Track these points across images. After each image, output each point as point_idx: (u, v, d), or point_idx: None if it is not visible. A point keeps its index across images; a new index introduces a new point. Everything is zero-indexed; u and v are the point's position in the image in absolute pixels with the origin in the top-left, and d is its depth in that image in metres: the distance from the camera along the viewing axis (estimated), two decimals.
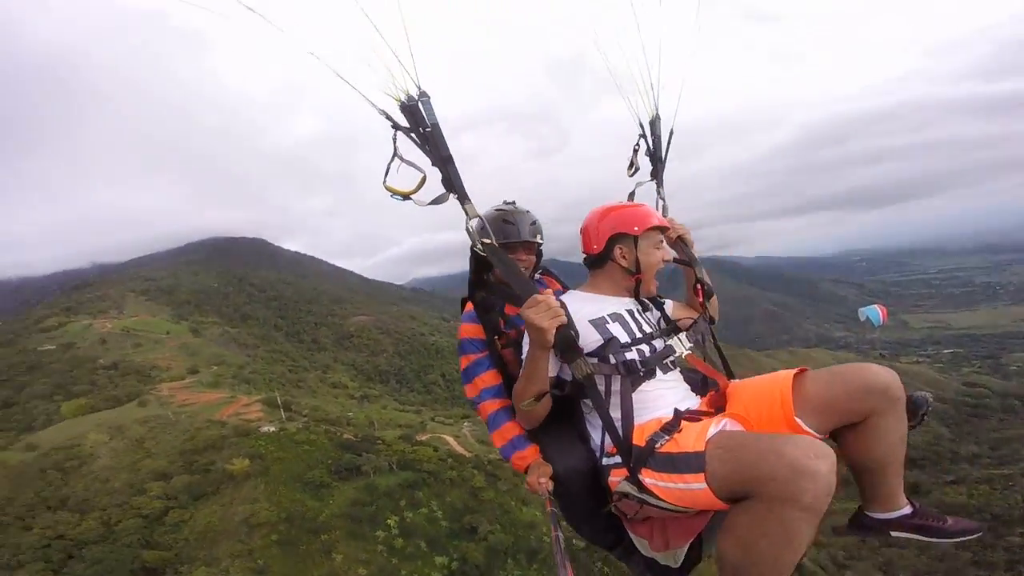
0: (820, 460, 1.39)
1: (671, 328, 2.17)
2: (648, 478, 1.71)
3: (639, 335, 2.06)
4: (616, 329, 2.04)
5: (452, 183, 1.76)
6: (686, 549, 1.83)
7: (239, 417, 46.44)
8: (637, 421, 1.89)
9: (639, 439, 1.80)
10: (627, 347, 2.01)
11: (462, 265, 2.42)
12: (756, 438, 1.60)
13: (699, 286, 2.33)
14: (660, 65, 2.44)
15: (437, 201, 1.76)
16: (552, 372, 1.93)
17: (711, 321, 2.29)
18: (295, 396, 57.26)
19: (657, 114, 2.62)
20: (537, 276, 2.59)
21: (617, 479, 1.81)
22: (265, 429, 41.71)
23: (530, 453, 2.13)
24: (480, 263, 2.15)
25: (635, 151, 2.64)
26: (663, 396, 1.97)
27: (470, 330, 2.28)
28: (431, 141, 1.73)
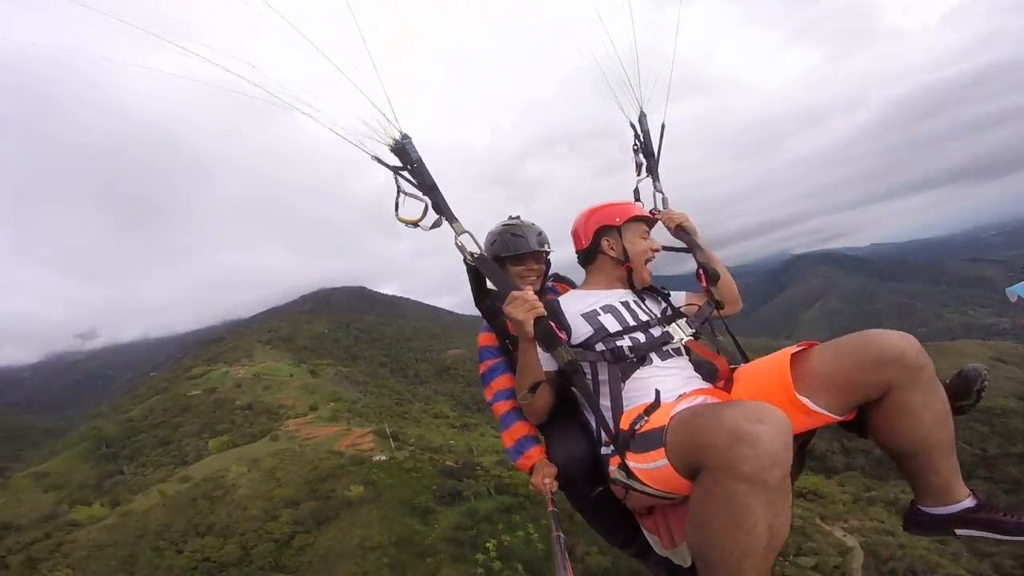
0: (761, 424, 1.22)
1: (672, 316, 2.15)
2: (631, 461, 1.64)
3: (632, 323, 2.06)
4: (607, 319, 2.06)
5: (440, 207, 1.93)
6: None
7: (354, 448, 49.43)
8: (627, 407, 1.86)
9: (626, 424, 1.76)
10: (618, 335, 2.02)
11: None
12: (710, 406, 1.47)
13: (702, 271, 2.30)
14: (638, 62, 2.49)
15: (436, 224, 1.92)
16: (550, 365, 1.94)
17: (718, 306, 2.25)
18: (402, 427, 60.15)
19: (642, 111, 2.66)
20: (550, 283, 2.66)
21: (613, 468, 1.74)
22: (377, 458, 44.10)
23: (535, 453, 2.14)
24: (477, 274, 2.20)
25: (634, 151, 2.70)
26: (661, 383, 1.90)
27: (486, 338, 2.36)
28: (418, 175, 1.92)
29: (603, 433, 1.84)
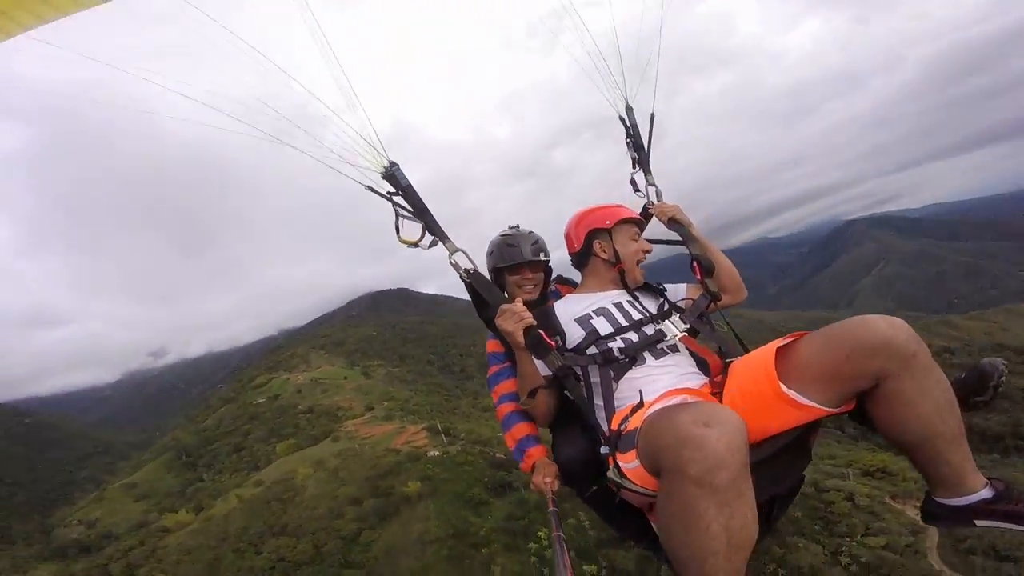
0: (708, 427, 1.24)
1: (667, 312, 2.17)
2: (620, 461, 1.65)
3: (624, 323, 2.09)
4: (599, 322, 2.11)
5: (433, 228, 2.04)
6: None
7: (410, 445, 50.62)
8: (619, 407, 1.90)
9: (616, 425, 1.80)
10: (610, 337, 2.05)
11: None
12: (673, 409, 1.47)
13: (696, 263, 2.29)
14: (620, 53, 2.48)
15: (434, 243, 2.05)
16: (548, 371, 2.00)
17: (715, 298, 2.22)
18: (452, 422, 61.28)
19: (628, 104, 2.64)
20: (553, 287, 2.72)
21: (611, 467, 1.76)
22: (431, 453, 45.31)
23: (535, 452, 2.19)
24: (474, 289, 2.22)
25: (627, 144, 2.67)
26: (655, 381, 1.93)
27: (493, 345, 2.44)
28: (410, 199, 2.03)
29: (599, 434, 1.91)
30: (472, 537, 26.07)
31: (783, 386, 1.54)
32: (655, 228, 2.54)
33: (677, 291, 2.34)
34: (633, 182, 2.64)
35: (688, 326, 2.09)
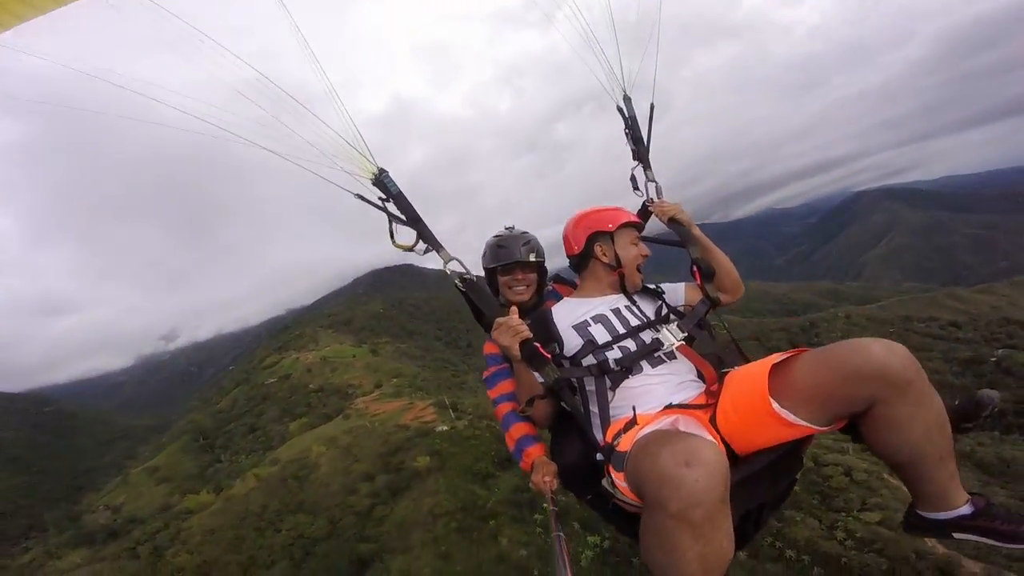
0: (688, 468, 1.27)
1: (665, 316, 2.15)
2: (612, 475, 1.68)
3: (622, 331, 2.08)
4: (597, 330, 2.10)
5: (426, 237, 2.05)
6: None
7: (419, 420, 51.22)
8: (615, 417, 1.91)
9: (610, 437, 1.80)
10: (607, 346, 2.04)
11: None
12: (661, 438, 1.49)
13: (696, 268, 2.24)
14: (618, 41, 2.40)
15: (427, 251, 2.07)
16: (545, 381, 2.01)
17: (714, 304, 2.19)
18: (460, 397, 61.94)
19: (626, 94, 2.56)
20: (549, 287, 2.70)
21: (606, 476, 1.80)
22: (440, 428, 45.95)
23: (534, 451, 2.20)
24: (469, 296, 2.22)
25: (626, 135, 2.59)
26: (650, 391, 1.94)
27: (491, 347, 2.45)
28: (401, 208, 2.03)
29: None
30: (480, 510, 26.77)
31: (775, 404, 1.57)
32: (652, 225, 2.51)
33: (676, 293, 2.31)
34: (633, 178, 2.56)
35: (686, 334, 2.08)
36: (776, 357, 1.67)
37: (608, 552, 19.20)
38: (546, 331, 2.14)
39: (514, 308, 2.03)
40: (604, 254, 2.28)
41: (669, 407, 1.85)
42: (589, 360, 2.04)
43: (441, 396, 59.47)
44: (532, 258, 2.56)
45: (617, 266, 2.25)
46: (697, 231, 2.34)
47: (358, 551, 28.85)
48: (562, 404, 2.08)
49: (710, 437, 1.59)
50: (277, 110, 1.73)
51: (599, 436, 1.91)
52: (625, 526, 1.92)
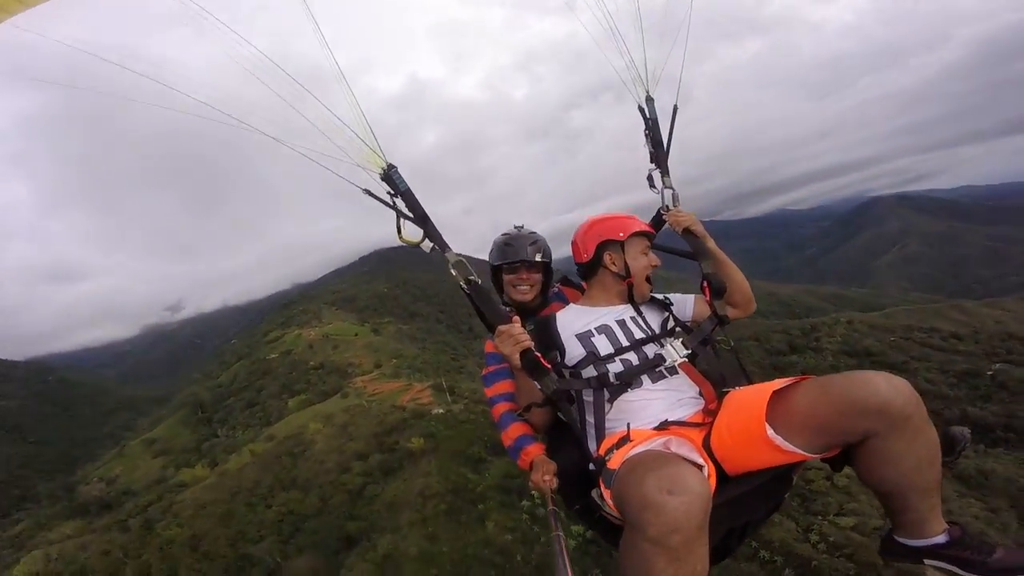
0: (670, 495, 1.30)
1: (670, 331, 2.14)
2: (602, 488, 1.69)
3: (625, 344, 2.06)
4: (600, 341, 2.08)
5: (432, 237, 2.00)
6: None
7: (415, 402, 52.02)
8: (610, 431, 1.92)
9: (603, 451, 1.81)
10: (609, 358, 2.03)
11: None
12: (648, 461, 1.50)
13: (706, 283, 2.17)
14: (644, 39, 2.35)
15: (434, 249, 2.02)
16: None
17: (721, 321, 2.14)
18: (457, 381, 62.31)
19: (649, 95, 2.50)
20: (556, 289, 2.68)
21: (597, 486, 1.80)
22: (435, 411, 46.54)
23: (534, 450, 2.17)
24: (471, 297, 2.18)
25: (645, 136, 2.54)
26: (647, 406, 1.94)
27: (491, 345, 2.40)
28: (409, 205, 1.98)
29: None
30: (470, 493, 27.26)
31: (770, 431, 1.59)
32: (661, 231, 2.47)
33: (685, 306, 2.28)
34: (650, 178, 2.50)
35: (690, 351, 2.03)
36: (777, 384, 1.68)
37: (590, 542, 19.60)
38: (548, 338, 2.14)
39: (516, 318, 2.01)
40: (613, 263, 2.24)
41: (665, 424, 1.88)
42: (590, 371, 2.03)
43: (439, 379, 59.97)
44: (538, 258, 2.54)
45: (626, 276, 2.22)
46: (711, 244, 2.28)
47: (347, 529, 29.38)
48: (559, 414, 2.06)
49: (700, 460, 1.59)
50: (288, 97, 1.70)
51: (593, 447, 1.92)
52: (611, 537, 1.91)
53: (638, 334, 2.09)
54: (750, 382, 1.99)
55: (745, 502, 1.75)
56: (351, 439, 44.84)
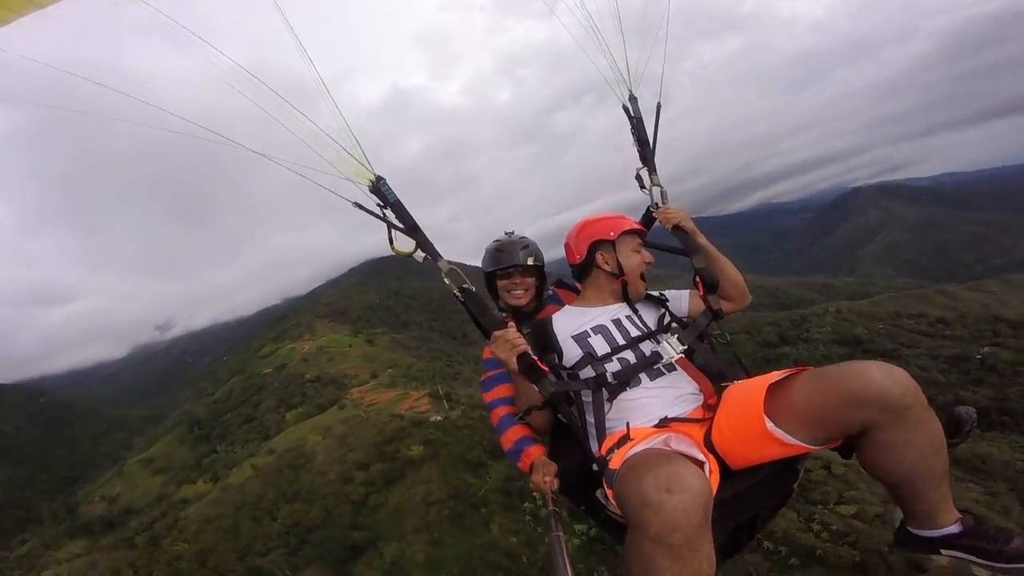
0: (668, 493, 1.30)
1: (667, 326, 2.15)
2: (605, 488, 1.71)
3: (622, 343, 2.07)
4: (597, 341, 2.09)
5: (423, 246, 2.00)
6: None
7: (413, 410, 51.65)
8: (611, 430, 1.92)
9: (604, 451, 1.81)
10: (606, 358, 2.04)
11: None
12: (647, 461, 1.49)
13: (699, 279, 2.21)
14: (624, 40, 2.34)
15: (425, 259, 2.02)
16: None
17: (716, 316, 2.17)
18: (454, 387, 62.12)
19: (632, 94, 2.51)
20: (550, 291, 2.69)
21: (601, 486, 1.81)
22: (433, 419, 46.29)
23: (534, 452, 2.19)
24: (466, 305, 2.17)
25: (632, 135, 2.55)
26: (646, 404, 1.94)
27: (489, 351, 2.40)
28: (400, 216, 1.99)
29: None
30: (472, 497, 27.35)
31: (769, 424, 1.59)
32: (652, 229, 2.47)
33: (679, 301, 2.30)
34: (639, 178, 2.52)
35: (686, 347, 2.06)
36: (774, 376, 1.69)
37: (594, 540, 19.73)
38: (545, 341, 2.15)
39: (512, 323, 2.04)
40: (606, 263, 2.26)
41: (665, 421, 1.88)
42: (587, 372, 2.04)
43: (435, 386, 59.91)
44: (530, 262, 2.57)
45: (619, 275, 2.24)
46: (702, 239, 2.31)
47: (353, 539, 29.36)
48: (559, 415, 2.07)
49: (701, 456, 1.59)
50: (272, 110, 1.68)
51: (595, 447, 1.93)
52: (618, 536, 1.90)
53: (634, 332, 2.10)
54: (748, 375, 2.00)
55: (751, 496, 1.76)
56: (351, 450, 44.70)
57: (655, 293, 2.31)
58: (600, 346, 2.07)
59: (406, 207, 2.00)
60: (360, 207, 1.95)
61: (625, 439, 1.74)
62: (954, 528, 1.59)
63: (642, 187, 2.50)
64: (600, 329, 2.12)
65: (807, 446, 1.58)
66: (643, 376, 1.98)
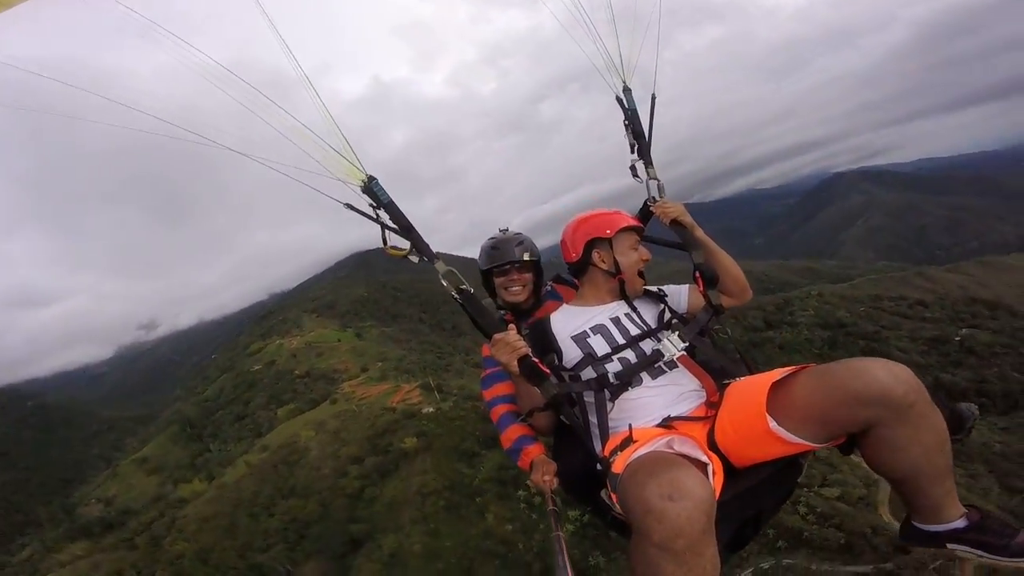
0: (671, 501, 1.29)
1: (667, 324, 2.11)
2: (610, 491, 1.68)
3: (622, 341, 2.05)
4: (596, 341, 2.07)
5: (418, 248, 1.96)
6: None
7: (405, 403, 51.81)
8: (614, 430, 1.90)
9: (608, 452, 1.78)
10: (607, 358, 2.02)
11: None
12: (649, 466, 1.48)
13: (698, 274, 2.16)
14: (617, 30, 2.30)
15: (421, 260, 1.98)
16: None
17: (717, 311, 2.13)
18: (445, 379, 62.06)
19: (626, 85, 2.46)
20: (549, 287, 2.68)
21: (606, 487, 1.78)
22: (426, 410, 46.65)
23: (534, 450, 2.18)
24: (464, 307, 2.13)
25: (625, 127, 2.50)
26: (649, 403, 1.93)
27: (488, 349, 2.32)
28: (393, 217, 1.94)
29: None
30: (466, 488, 27.76)
31: (772, 423, 1.59)
32: (652, 224, 2.42)
33: (679, 297, 2.26)
34: (633, 168, 2.47)
35: (687, 344, 2.02)
36: (777, 374, 1.68)
37: (587, 526, 20.14)
38: (545, 342, 2.13)
39: (512, 326, 2.01)
40: (603, 260, 2.22)
41: (668, 420, 1.86)
42: (588, 373, 2.02)
43: (427, 378, 59.92)
44: (526, 257, 2.54)
45: (616, 272, 2.20)
46: (700, 233, 2.26)
47: (351, 532, 29.76)
48: (561, 416, 2.04)
49: (704, 458, 1.58)
50: (256, 108, 1.63)
51: (598, 448, 1.90)
52: (625, 534, 1.84)
53: (633, 330, 2.08)
54: (751, 371, 1.98)
55: (755, 493, 1.76)
56: (345, 444, 44.81)
57: (653, 289, 2.29)
58: (600, 346, 2.06)
59: (399, 207, 1.96)
60: (353, 209, 1.93)
61: (628, 441, 1.71)
62: (959, 523, 1.60)
63: (636, 178, 2.47)
64: (599, 329, 2.10)
65: (810, 444, 1.59)
66: (644, 375, 1.97)
